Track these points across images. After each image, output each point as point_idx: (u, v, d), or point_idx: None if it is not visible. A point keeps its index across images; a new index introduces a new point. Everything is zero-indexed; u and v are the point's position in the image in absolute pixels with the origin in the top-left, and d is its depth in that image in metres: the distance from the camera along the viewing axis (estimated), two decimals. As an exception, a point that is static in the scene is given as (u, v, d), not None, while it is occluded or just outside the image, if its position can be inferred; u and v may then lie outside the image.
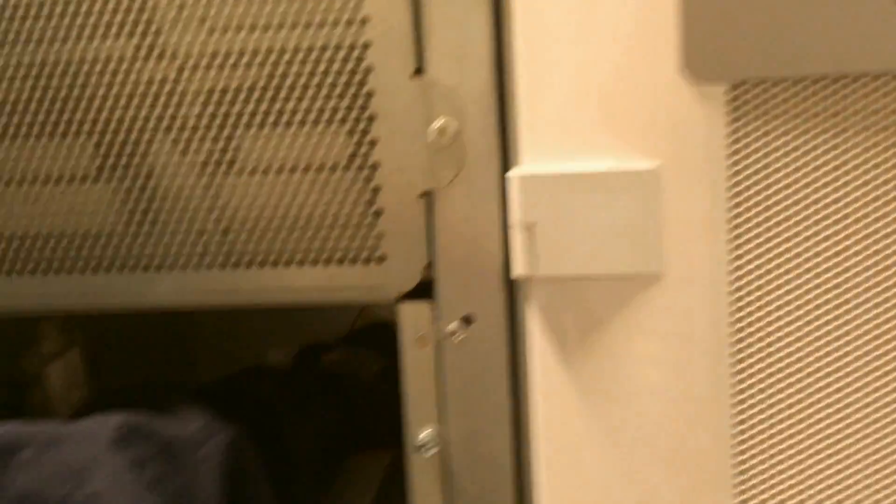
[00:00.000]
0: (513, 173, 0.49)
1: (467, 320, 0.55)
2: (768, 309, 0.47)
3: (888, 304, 0.46)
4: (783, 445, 0.49)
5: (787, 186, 0.46)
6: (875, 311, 0.46)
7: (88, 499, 0.48)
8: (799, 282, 0.47)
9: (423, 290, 0.56)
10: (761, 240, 0.47)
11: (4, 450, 0.48)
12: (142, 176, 0.57)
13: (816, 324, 0.47)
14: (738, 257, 0.47)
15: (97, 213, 0.57)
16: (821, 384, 0.48)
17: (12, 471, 0.48)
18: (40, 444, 0.50)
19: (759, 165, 0.46)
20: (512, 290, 0.55)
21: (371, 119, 0.54)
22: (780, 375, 0.48)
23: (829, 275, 0.46)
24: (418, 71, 0.53)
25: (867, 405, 0.47)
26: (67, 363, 0.73)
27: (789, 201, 0.46)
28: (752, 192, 0.47)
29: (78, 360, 0.74)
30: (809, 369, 0.48)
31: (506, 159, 0.53)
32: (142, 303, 0.58)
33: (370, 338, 0.92)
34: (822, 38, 0.43)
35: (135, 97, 0.56)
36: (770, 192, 0.46)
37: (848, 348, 0.47)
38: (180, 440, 0.55)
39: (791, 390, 0.48)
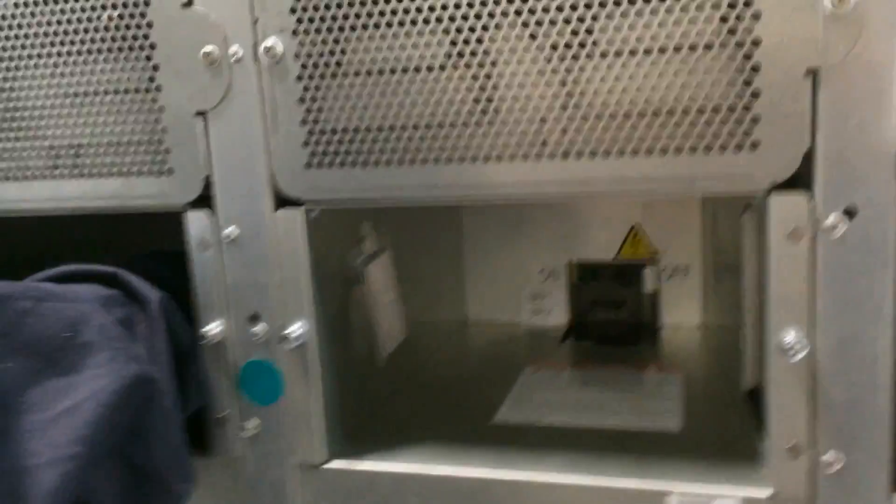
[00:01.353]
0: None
1: (850, 213, 0.50)
2: None
3: None
4: None
5: None
6: None
7: (84, 347, 0.52)
8: None
9: (797, 180, 0.51)
10: None
11: (3, 297, 0.51)
12: (486, 64, 0.56)
13: None
14: None
15: (448, 103, 0.57)
16: None
17: (16, 315, 0.51)
18: (35, 298, 0.53)
19: None
20: (903, 181, 0.49)
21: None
22: None
23: None
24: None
25: None
26: (382, 264, 0.75)
27: None
28: None
29: (388, 262, 0.76)
30: None
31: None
32: (486, 194, 0.58)
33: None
34: None
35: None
36: None
37: None
38: (153, 302, 0.59)
39: None
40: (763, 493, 0.55)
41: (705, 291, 0.96)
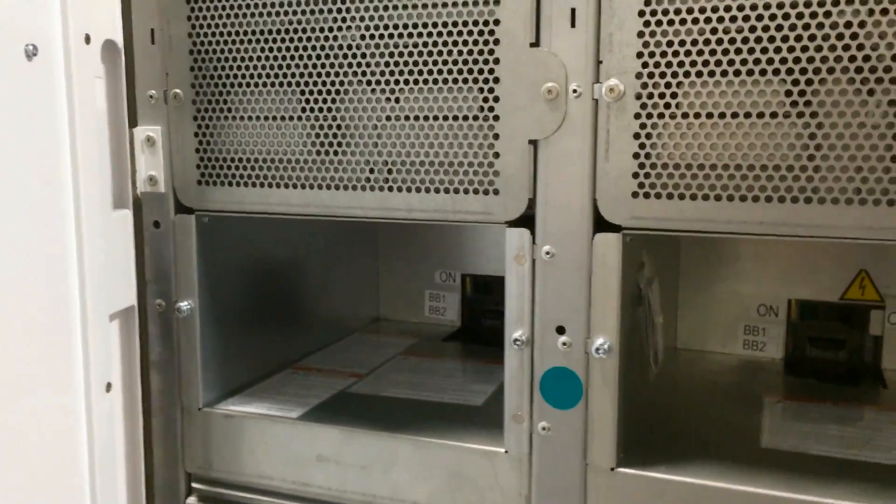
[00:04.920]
0: None
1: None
2: None
3: None
4: None
5: None
6: None
7: None
8: None
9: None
10: None
11: None
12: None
13: None
14: None
15: (782, 147, 0.62)
16: None
17: None
18: None
19: None
20: None
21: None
22: None
23: None
24: None
25: None
26: (657, 289, 0.80)
27: None
28: None
29: (659, 287, 0.82)
30: None
31: None
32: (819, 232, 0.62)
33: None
34: None
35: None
36: None
37: None
38: None
39: None
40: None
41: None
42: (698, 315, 1.09)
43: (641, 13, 0.64)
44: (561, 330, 0.70)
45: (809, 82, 0.61)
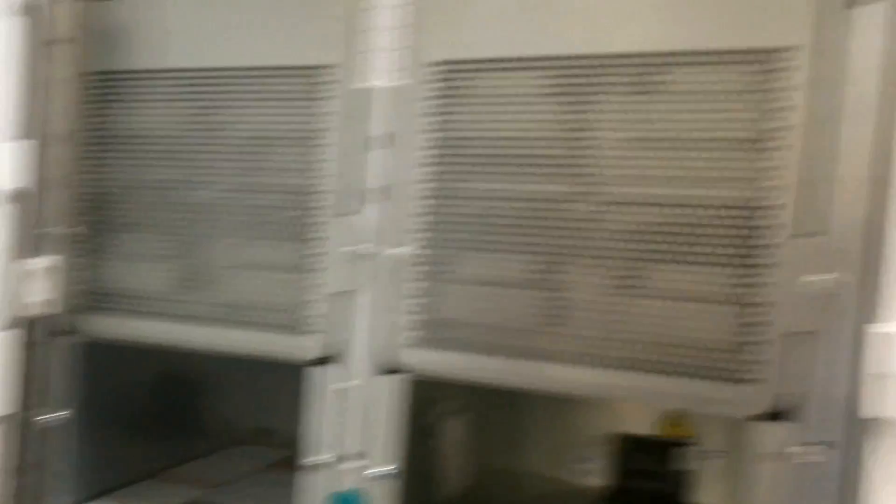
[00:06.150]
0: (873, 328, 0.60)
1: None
2: None
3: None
4: None
5: None
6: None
7: None
8: None
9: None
10: None
11: None
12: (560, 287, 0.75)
13: None
14: None
15: (521, 313, 0.76)
16: None
17: None
18: None
19: None
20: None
21: (754, 266, 0.67)
22: None
23: None
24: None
25: None
26: (454, 425, 0.92)
27: None
28: None
29: (461, 424, 0.94)
30: None
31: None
32: (550, 388, 0.75)
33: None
34: None
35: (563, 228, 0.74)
36: None
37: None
38: None
39: None
40: None
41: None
42: (526, 440, 1.19)
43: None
44: (349, 457, 0.82)
45: (553, 261, 0.75)
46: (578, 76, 0.73)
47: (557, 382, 0.75)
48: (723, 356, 0.69)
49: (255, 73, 0.86)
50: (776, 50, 0.66)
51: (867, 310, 0.64)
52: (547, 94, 0.74)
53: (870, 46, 0.64)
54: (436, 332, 0.79)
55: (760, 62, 0.67)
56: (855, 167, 0.64)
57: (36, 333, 0.96)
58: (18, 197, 0.93)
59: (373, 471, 0.80)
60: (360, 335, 0.82)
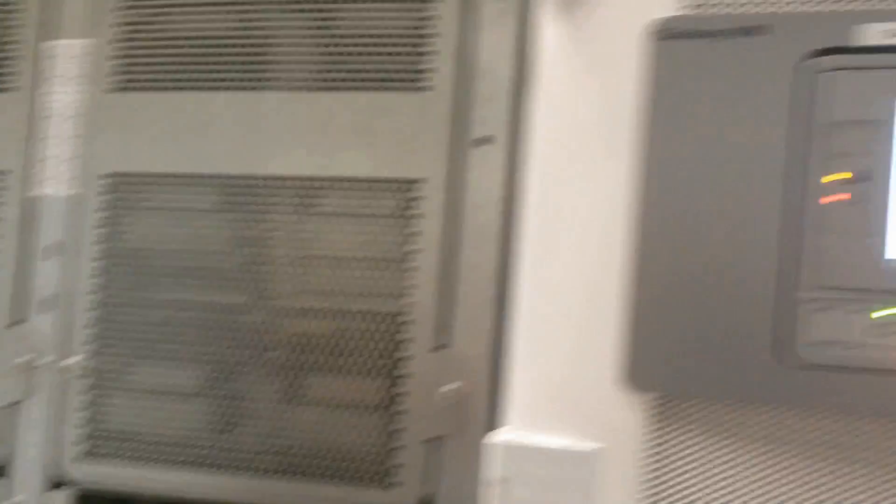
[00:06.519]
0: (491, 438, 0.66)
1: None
2: None
3: None
4: None
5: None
6: None
7: None
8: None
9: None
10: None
11: None
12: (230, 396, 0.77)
13: None
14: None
15: (191, 422, 0.77)
16: None
17: None
18: None
19: (677, 470, 0.61)
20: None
21: (399, 376, 0.73)
22: None
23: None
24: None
25: None
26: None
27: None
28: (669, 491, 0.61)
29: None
30: None
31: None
32: (217, 497, 0.76)
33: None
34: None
35: (233, 338, 0.76)
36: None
37: None
38: None
39: None
40: None
41: None
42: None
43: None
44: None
45: (224, 370, 0.77)
46: (245, 195, 0.77)
47: (224, 491, 0.76)
48: (373, 461, 0.73)
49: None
50: (414, 181, 0.74)
51: (493, 417, 0.71)
52: (217, 210, 0.77)
53: (492, 180, 0.73)
54: (104, 445, 0.78)
55: (402, 191, 0.74)
56: (478, 287, 0.72)
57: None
58: None
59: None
60: (25, 448, 0.80)
